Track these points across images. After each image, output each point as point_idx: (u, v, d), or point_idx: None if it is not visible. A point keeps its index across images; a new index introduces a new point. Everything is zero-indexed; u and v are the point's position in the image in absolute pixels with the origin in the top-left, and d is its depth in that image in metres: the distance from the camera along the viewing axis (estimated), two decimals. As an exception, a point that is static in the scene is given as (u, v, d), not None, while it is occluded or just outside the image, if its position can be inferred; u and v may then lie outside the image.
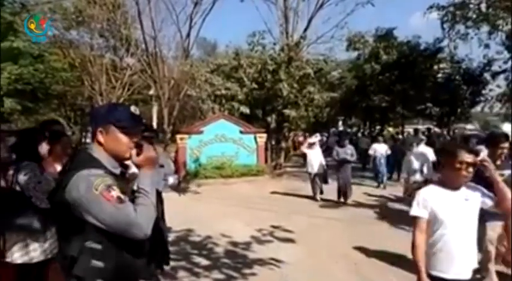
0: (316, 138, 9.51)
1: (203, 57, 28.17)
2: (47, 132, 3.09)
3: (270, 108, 14.16)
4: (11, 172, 2.64)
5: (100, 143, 1.59)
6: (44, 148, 2.84)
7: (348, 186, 8.59)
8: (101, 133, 1.59)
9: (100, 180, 1.45)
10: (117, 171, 1.62)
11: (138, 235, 1.47)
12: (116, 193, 1.45)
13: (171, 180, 4.42)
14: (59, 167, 3.00)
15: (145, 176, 1.61)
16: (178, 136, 12.70)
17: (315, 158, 8.90)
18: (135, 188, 1.63)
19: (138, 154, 1.61)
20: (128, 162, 1.71)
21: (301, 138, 17.15)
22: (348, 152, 8.65)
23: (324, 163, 8.97)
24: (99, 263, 1.46)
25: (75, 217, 1.44)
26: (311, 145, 9.16)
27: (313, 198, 9.08)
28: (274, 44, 15.29)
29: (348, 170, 8.67)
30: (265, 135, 13.16)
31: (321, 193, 9.08)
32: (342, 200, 8.62)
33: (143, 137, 2.32)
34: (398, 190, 9.39)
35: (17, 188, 2.62)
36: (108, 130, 1.58)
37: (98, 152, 1.59)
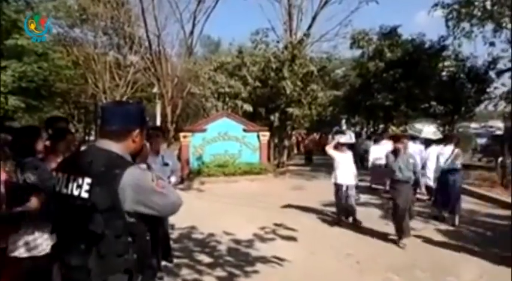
0: (349, 138, 7.00)
1: (206, 55, 28.21)
2: (50, 130, 3.12)
3: (273, 107, 14.14)
4: (12, 168, 2.66)
5: (134, 142, 1.65)
6: (40, 145, 2.87)
7: (408, 216, 5.66)
8: (137, 133, 1.65)
9: (150, 173, 1.57)
10: None
11: (178, 210, 1.63)
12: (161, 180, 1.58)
13: (173, 179, 4.42)
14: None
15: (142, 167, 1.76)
16: (181, 134, 12.71)
17: (346, 165, 6.64)
18: None
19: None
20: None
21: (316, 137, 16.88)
22: (410, 162, 5.65)
23: (355, 171, 6.81)
24: (135, 256, 1.52)
25: (122, 214, 1.47)
26: (340, 146, 6.76)
27: (335, 221, 6.74)
28: (278, 42, 15.29)
29: (410, 194, 5.77)
30: (268, 133, 13.15)
31: (353, 217, 6.65)
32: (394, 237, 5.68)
33: (150, 135, 2.35)
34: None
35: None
36: (142, 131, 1.69)
37: (121, 150, 1.61)
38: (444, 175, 6.81)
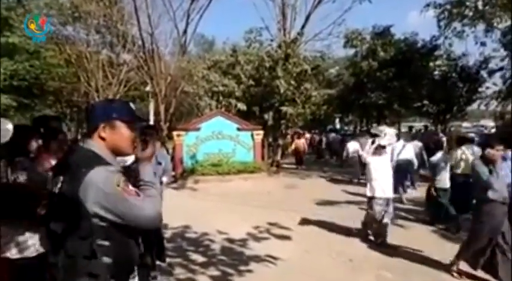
0: (391, 138, 5.81)
1: (200, 54, 28.09)
2: (42, 129, 3.10)
3: (267, 105, 14.13)
4: (3, 168, 2.65)
5: (103, 139, 1.59)
6: (33, 145, 2.84)
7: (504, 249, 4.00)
8: (104, 129, 1.59)
9: (118, 176, 1.48)
10: (118, 167, 1.63)
11: (154, 225, 1.55)
12: (132, 187, 1.51)
13: (165, 179, 4.42)
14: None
15: (148, 169, 1.67)
16: (175, 133, 12.66)
17: (383, 172, 5.38)
18: None
19: (143, 149, 1.67)
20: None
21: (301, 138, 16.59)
22: (502, 175, 4.10)
23: (392, 179, 5.58)
24: (108, 260, 1.47)
25: (86, 215, 1.43)
26: (379, 149, 5.50)
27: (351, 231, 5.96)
28: (272, 40, 15.27)
29: (504, 220, 4.06)
30: (262, 132, 13.14)
31: (383, 239, 5.37)
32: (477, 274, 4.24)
33: (145, 133, 2.33)
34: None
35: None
36: (113, 125, 1.60)
37: (99, 148, 1.58)
38: (398, 165, 8.31)
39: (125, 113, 1.63)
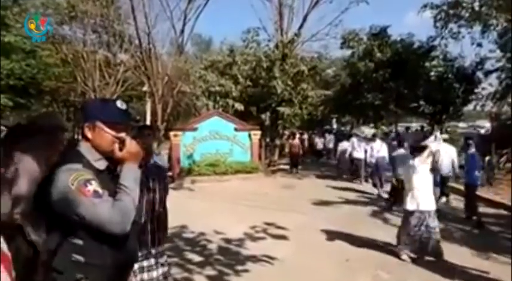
0: (439, 143, 4.77)
1: (197, 54, 28.07)
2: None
3: (264, 106, 14.15)
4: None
5: (87, 139, 1.62)
6: None
7: None
8: (88, 129, 1.62)
9: (77, 174, 1.47)
10: (102, 166, 1.62)
11: (114, 230, 1.47)
12: (93, 187, 1.47)
13: None
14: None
15: (128, 170, 1.61)
16: (172, 133, 12.64)
17: (424, 181, 4.80)
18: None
19: (120, 149, 1.61)
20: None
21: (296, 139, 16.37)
22: None
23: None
24: (79, 258, 1.47)
25: (57, 211, 1.47)
26: (428, 157, 4.93)
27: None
28: (269, 41, 15.31)
29: None
30: (259, 132, 13.15)
31: (440, 255, 4.69)
32: None
33: (141, 135, 2.32)
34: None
35: None
36: (94, 125, 1.61)
37: (84, 148, 1.61)
38: (377, 162, 10.01)
39: (105, 114, 1.62)
